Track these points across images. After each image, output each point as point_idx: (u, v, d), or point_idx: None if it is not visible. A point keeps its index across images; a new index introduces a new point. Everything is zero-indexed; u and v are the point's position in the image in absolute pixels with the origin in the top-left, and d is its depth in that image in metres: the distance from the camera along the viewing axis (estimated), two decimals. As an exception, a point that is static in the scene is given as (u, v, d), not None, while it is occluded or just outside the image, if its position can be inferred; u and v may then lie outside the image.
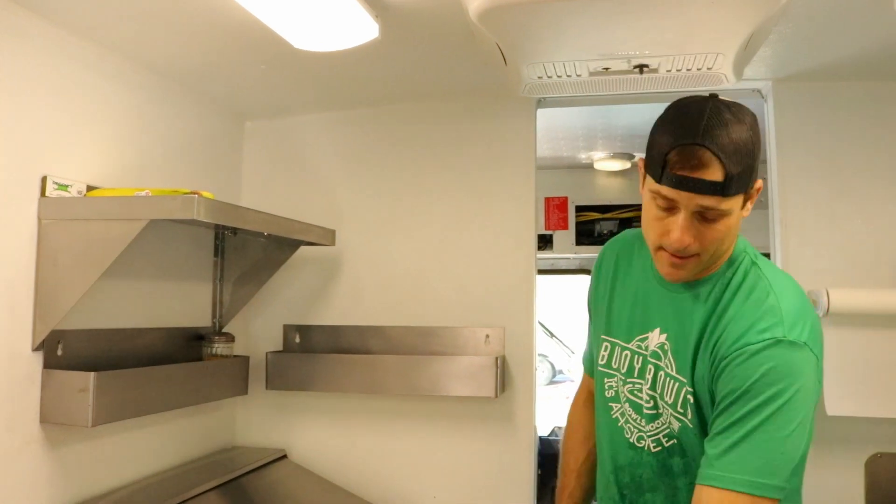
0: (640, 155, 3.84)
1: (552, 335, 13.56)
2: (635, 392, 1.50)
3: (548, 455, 4.32)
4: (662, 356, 1.43)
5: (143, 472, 2.17)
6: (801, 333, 1.30)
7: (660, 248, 1.36)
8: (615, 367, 1.54)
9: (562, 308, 11.16)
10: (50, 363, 1.81)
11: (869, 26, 1.94)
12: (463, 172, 2.60)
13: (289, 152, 2.75)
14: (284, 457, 2.61)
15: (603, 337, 1.57)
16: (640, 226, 1.46)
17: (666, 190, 1.29)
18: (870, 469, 2.24)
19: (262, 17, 1.71)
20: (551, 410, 4.50)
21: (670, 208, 1.31)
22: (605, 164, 3.96)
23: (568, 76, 2.08)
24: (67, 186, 1.86)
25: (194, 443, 2.44)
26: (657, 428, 1.47)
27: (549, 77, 2.10)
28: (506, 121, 2.57)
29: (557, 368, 14.10)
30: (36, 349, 1.78)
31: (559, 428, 4.51)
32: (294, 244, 2.45)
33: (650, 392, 1.46)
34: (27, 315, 1.77)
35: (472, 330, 2.52)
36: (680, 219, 1.30)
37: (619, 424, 1.54)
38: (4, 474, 1.71)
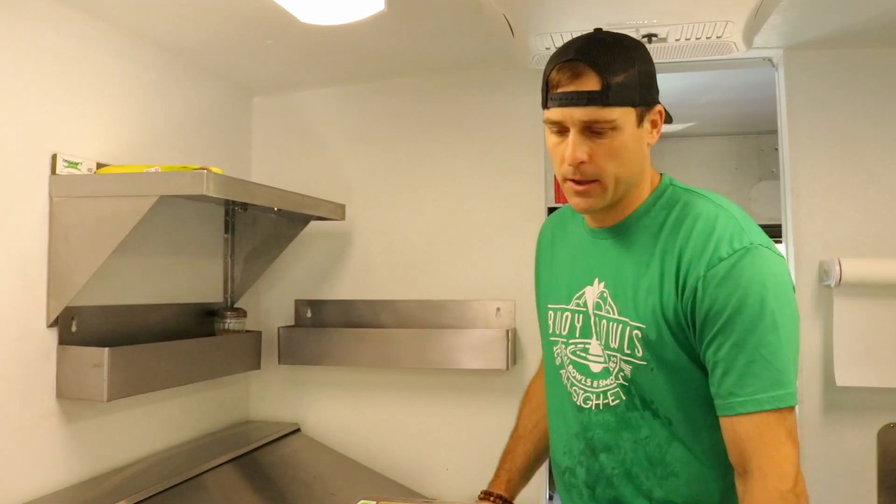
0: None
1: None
2: (578, 353, 1.46)
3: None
4: (603, 304, 1.41)
5: (158, 446, 2.20)
6: (761, 237, 1.30)
7: (565, 179, 1.35)
8: (558, 332, 1.51)
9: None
10: (64, 339, 1.83)
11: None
12: (472, 146, 2.59)
13: (297, 127, 2.75)
14: (298, 430, 2.64)
15: (548, 307, 1.55)
16: None
17: (551, 112, 1.30)
18: (882, 439, 2.24)
19: (268, -10, 1.71)
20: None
21: (561, 131, 1.31)
22: (615, 135, 3.94)
23: (576, 47, 2.07)
24: (77, 164, 1.87)
25: (209, 417, 2.47)
26: (609, 385, 1.41)
27: (556, 48, 2.08)
28: (514, 93, 2.56)
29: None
30: (50, 325, 1.80)
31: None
32: (304, 219, 2.46)
33: (599, 345, 1.42)
34: (41, 292, 1.78)
35: (483, 303, 2.53)
36: (570, 137, 1.30)
37: (567, 390, 1.50)
38: (22, 448, 1.74)
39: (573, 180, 1.33)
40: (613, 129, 1.28)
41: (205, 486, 2.05)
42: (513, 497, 1.67)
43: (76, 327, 1.86)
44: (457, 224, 2.59)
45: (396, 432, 2.60)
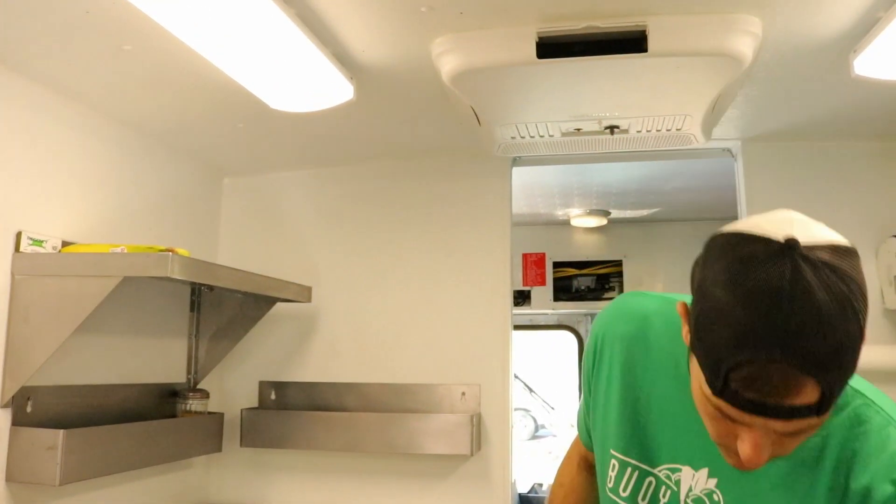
0: (616, 212, 3.90)
1: (531, 391, 13.49)
2: None
3: (527, 512, 4.28)
4: None
5: (112, 532, 2.13)
6: None
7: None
8: (623, 494, 1.20)
9: (541, 363, 11.12)
10: (18, 420, 1.79)
11: (830, 89, 2.01)
12: (439, 230, 2.63)
13: (267, 208, 2.77)
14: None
15: (612, 453, 1.22)
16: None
17: (729, 409, 0.90)
18: None
19: (239, 78, 1.75)
20: (533, 466, 4.46)
21: (734, 420, 0.91)
22: (582, 220, 4.01)
23: (541, 136, 2.13)
24: (42, 242, 1.87)
25: (167, 501, 2.41)
26: None
27: (521, 137, 2.14)
28: (481, 179, 2.61)
29: (540, 423, 13.99)
30: (4, 406, 1.76)
31: (539, 485, 4.48)
32: (270, 301, 2.46)
33: None
34: (-3, 372, 1.76)
35: (448, 387, 2.52)
36: (752, 436, 0.90)
37: None
38: (-32, 535, 1.68)
39: None
40: (816, 427, 0.91)
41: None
42: None
43: (31, 408, 1.83)
44: (423, 307, 2.60)
45: (359, 518, 2.54)
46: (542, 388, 13.31)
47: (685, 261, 3.92)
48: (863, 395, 1.04)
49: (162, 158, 2.41)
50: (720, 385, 0.88)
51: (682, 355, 1.08)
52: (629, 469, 1.18)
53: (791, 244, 0.86)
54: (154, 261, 1.74)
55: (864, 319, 0.86)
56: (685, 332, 0.99)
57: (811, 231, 0.89)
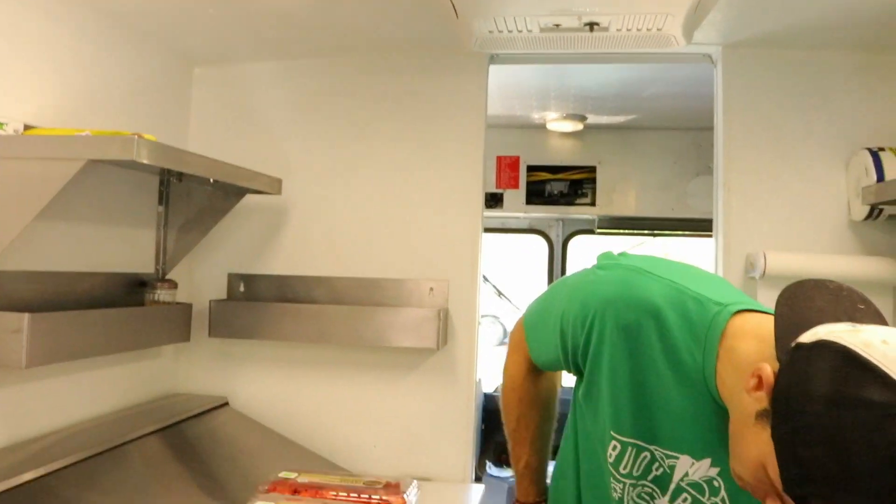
0: (593, 117, 3.87)
1: (500, 294, 13.65)
2: (644, 496, 1.25)
3: (491, 411, 4.40)
4: (708, 492, 1.15)
5: (80, 416, 2.16)
6: None
7: None
8: (624, 472, 1.25)
9: (511, 267, 11.21)
10: (-17, 303, 1.78)
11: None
12: (413, 126, 2.59)
13: (238, 100, 2.71)
14: (226, 404, 2.62)
15: (613, 435, 1.26)
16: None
17: None
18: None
19: (208, -45, 1.68)
20: (500, 369, 4.55)
21: None
22: (558, 124, 3.98)
23: (519, 31, 2.08)
24: (3, 124, 1.82)
25: (134, 389, 2.43)
26: None
27: (499, 32, 2.09)
28: (457, 76, 2.56)
29: (508, 329, 14.20)
30: (-32, 288, 1.75)
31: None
32: (240, 192, 2.43)
33: None
34: (-41, 253, 1.73)
35: (417, 282, 2.53)
36: None
37: None
38: (-66, 413, 1.69)
39: None
40: None
41: (128, 456, 2.02)
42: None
43: (-4, 291, 1.82)
44: (394, 203, 2.59)
45: (325, 408, 2.59)
46: (512, 292, 13.48)
47: (659, 169, 3.98)
48: None
49: (131, 44, 2.33)
50: None
51: (697, 351, 1.13)
52: (630, 448, 1.22)
53: None
54: (120, 144, 1.70)
55: None
56: (756, 394, 0.97)
57: None
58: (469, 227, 2.54)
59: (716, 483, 1.14)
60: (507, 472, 4.29)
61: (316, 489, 1.97)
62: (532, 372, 1.56)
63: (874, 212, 2.23)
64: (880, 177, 2.17)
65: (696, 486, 1.17)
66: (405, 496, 1.97)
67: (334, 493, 1.96)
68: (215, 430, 2.40)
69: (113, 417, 2.24)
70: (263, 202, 2.61)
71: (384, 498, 1.94)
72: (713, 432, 1.11)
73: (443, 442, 2.52)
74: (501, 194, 4.18)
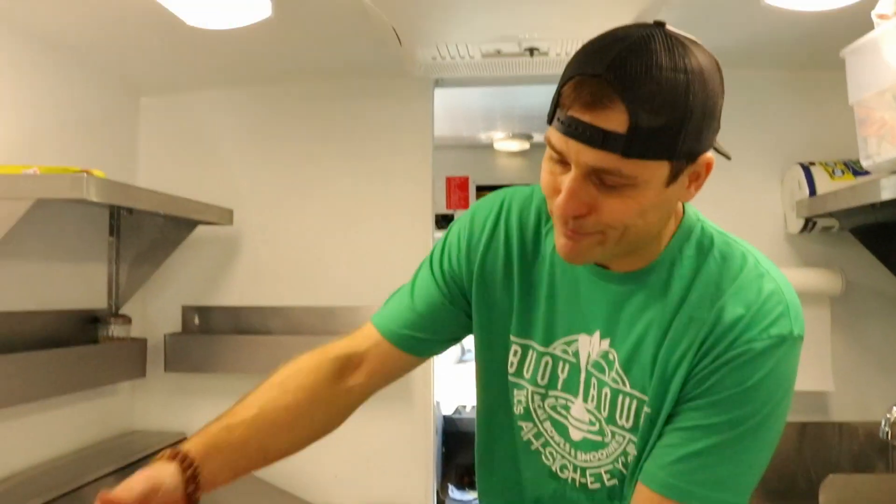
0: (539, 136, 3.94)
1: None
2: (559, 409, 1.17)
3: (452, 433, 4.41)
4: (607, 369, 1.11)
5: (34, 459, 2.11)
6: (802, 325, 1.04)
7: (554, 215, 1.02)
8: (527, 376, 1.19)
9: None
10: (-70, 349, 1.75)
11: (743, 17, 2.04)
12: (361, 151, 2.61)
13: (186, 130, 2.70)
14: (184, 440, 2.58)
15: (512, 339, 1.21)
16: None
17: (552, 134, 0.96)
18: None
19: (152, -7, 1.69)
20: (459, 389, 4.57)
21: (563, 162, 0.96)
22: (505, 144, 4.04)
23: (462, 57, 2.13)
24: (-53, 165, 1.80)
25: (90, 428, 2.39)
26: (601, 460, 1.14)
27: (442, 58, 2.14)
28: (403, 100, 2.59)
29: (466, 347, 14.20)
30: (-85, 334, 1.72)
31: (463, 406, 4.60)
32: (191, 224, 2.42)
33: (592, 412, 1.13)
34: None
35: (370, 309, 2.48)
36: (569, 178, 0.95)
37: (534, 448, 1.21)
38: None
39: (566, 224, 1.00)
40: (632, 186, 0.94)
41: (85, 499, 1.98)
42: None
43: (-56, 336, 1.79)
44: (345, 229, 2.60)
45: (286, 438, 2.58)
46: (468, 311, 13.50)
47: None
48: (728, 238, 1.11)
49: (77, 77, 2.30)
50: (553, 110, 0.95)
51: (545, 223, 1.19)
52: (530, 352, 1.19)
53: (658, 23, 0.96)
54: (69, 182, 1.69)
55: (700, 104, 0.91)
56: None
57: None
58: (421, 248, 2.56)
59: (611, 356, 1.11)
60: (470, 495, 4.29)
61: (279, 520, 1.97)
62: (335, 369, 1.31)
63: (808, 224, 2.31)
64: (812, 191, 2.25)
65: (597, 365, 1.13)
66: (369, 522, 1.97)
67: (298, 524, 1.95)
68: (174, 466, 2.37)
69: (68, 459, 2.20)
70: (215, 233, 2.60)
71: (348, 524, 1.94)
72: (597, 304, 1.12)
73: (403, 467, 2.53)
74: (452, 215, 4.22)
